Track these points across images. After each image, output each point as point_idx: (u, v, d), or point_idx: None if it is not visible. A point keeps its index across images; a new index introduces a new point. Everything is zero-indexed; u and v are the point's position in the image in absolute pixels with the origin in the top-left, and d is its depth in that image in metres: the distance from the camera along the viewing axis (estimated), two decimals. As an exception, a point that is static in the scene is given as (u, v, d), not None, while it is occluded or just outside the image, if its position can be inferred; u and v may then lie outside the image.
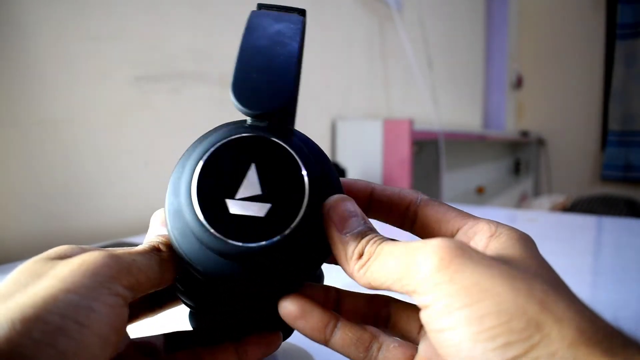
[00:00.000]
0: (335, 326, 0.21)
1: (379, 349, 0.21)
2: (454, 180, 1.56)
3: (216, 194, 0.19)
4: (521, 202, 2.43)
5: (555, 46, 2.71)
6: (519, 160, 2.58)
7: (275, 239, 0.18)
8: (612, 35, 2.49)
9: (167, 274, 0.20)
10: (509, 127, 2.53)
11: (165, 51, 0.70)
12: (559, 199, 2.30)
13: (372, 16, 1.27)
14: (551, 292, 0.15)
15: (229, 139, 0.20)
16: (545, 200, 2.26)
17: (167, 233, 0.20)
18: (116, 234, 0.62)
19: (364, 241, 0.19)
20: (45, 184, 0.55)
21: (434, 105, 1.50)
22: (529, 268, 0.17)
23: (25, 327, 0.14)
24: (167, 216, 0.20)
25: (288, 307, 0.21)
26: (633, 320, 0.37)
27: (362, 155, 1.06)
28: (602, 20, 2.54)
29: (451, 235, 0.21)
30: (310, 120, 1.00)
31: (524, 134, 2.49)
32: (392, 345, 0.21)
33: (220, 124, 0.22)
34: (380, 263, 0.18)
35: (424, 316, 0.16)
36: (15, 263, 0.47)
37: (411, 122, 1.01)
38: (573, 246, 0.62)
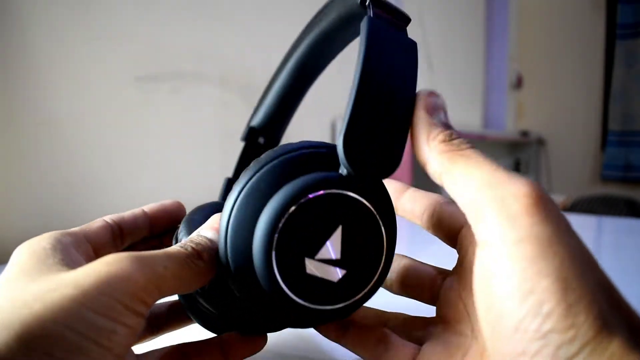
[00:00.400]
0: (346, 326, 0.22)
1: (384, 349, 0.21)
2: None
3: (297, 250, 0.17)
4: (521, 202, 2.43)
5: (555, 46, 2.71)
6: (519, 160, 2.58)
7: (342, 304, 0.18)
8: (612, 35, 2.49)
9: (195, 284, 0.18)
10: (509, 127, 2.53)
11: (165, 51, 0.70)
12: (559, 199, 2.30)
13: (372, 16, 1.27)
14: (603, 280, 0.15)
15: (326, 192, 0.18)
16: (545, 200, 2.26)
17: (211, 237, 0.19)
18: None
19: (453, 133, 0.18)
20: (46, 184, 0.55)
21: (434, 105, 1.50)
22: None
23: (46, 343, 0.13)
24: (229, 246, 0.18)
25: None
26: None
27: (362, 155, 1.05)
28: (602, 20, 2.54)
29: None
30: (310, 120, 1.00)
31: (524, 134, 2.49)
32: (397, 346, 0.21)
33: (303, 141, 0.19)
34: (468, 164, 0.17)
35: (481, 254, 0.15)
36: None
37: (411, 122, 1.01)
38: (573, 246, 0.61)
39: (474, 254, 0.17)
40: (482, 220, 0.15)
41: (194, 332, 0.28)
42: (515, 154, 2.60)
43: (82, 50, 0.59)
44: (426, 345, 0.21)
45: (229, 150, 0.80)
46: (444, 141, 0.18)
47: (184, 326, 0.25)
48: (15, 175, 0.53)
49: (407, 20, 0.20)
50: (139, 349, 0.22)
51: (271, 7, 0.90)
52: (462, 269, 0.21)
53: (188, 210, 0.26)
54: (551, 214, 0.15)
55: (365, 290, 0.19)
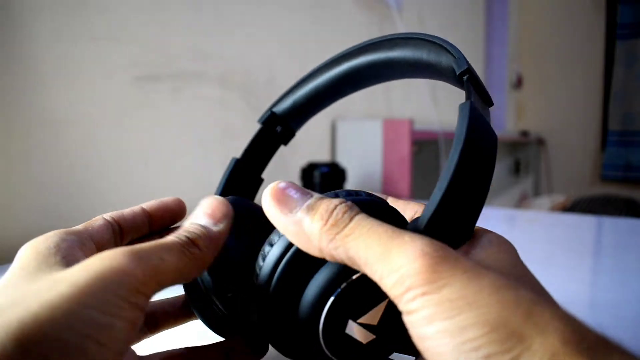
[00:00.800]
0: None
1: None
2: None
3: (345, 312, 0.18)
4: (521, 202, 2.43)
5: (555, 46, 2.71)
6: (519, 160, 2.58)
7: None
8: (612, 35, 2.49)
9: (193, 273, 0.18)
10: (509, 127, 2.53)
11: (165, 51, 0.70)
12: (559, 199, 2.29)
13: (372, 16, 1.27)
14: (537, 301, 0.15)
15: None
16: (545, 200, 2.26)
17: (212, 229, 0.20)
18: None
19: (327, 207, 0.17)
20: (46, 184, 0.55)
21: (434, 105, 1.50)
22: (514, 275, 0.17)
23: (42, 347, 0.13)
24: (280, 275, 0.19)
25: None
26: (633, 321, 0.37)
27: (362, 155, 1.06)
28: (602, 20, 2.54)
29: None
30: (310, 120, 1.00)
31: (524, 134, 2.49)
32: None
33: (358, 191, 0.20)
34: (362, 236, 0.16)
35: (407, 320, 0.16)
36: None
37: (411, 122, 1.01)
38: (573, 246, 0.62)
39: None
40: (397, 298, 0.16)
41: (193, 335, 0.27)
42: (515, 154, 2.60)
43: (82, 50, 0.59)
44: None
45: (229, 150, 0.80)
46: (322, 228, 0.17)
47: (180, 324, 0.25)
48: (15, 175, 0.53)
49: (491, 103, 0.21)
50: (141, 350, 0.22)
51: (271, 7, 0.90)
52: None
53: (188, 206, 0.25)
54: (453, 270, 0.15)
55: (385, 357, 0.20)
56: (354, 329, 0.18)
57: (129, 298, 0.15)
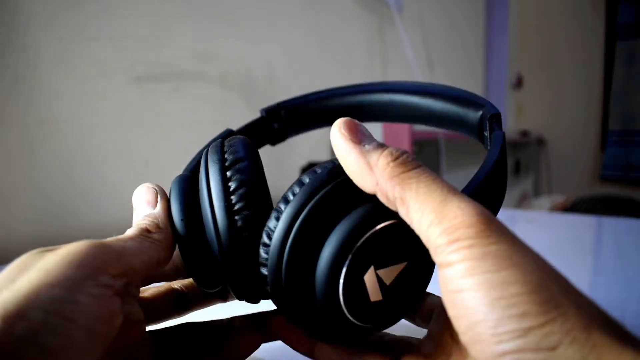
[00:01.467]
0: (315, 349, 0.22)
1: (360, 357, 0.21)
2: (454, 180, 1.55)
3: (371, 257, 0.18)
4: (521, 202, 2.43)
5: (555, 46, 2.71)
6: (519, 160, 2.58)
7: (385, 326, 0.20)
8: (612, 35, 2.49)
9: (163, 254, 0.20)
10: (509, 127, 2.53)
11: (165, 51, 0.70)
12: (559, 199, 2.29)
13: (372, 16, 1.27)
14: (570, 283, 0.15)
15: (374, 230, 0.18)
16: (545, 200, 2.26)
17: (153, 212, 0.21)
18: (117, 234, 0.62)
19: (392, 151, 0.18)
20: (46, 184, 0.55)
21: (434, 105, 1.50)
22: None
23: (7, 325, 0.14)
24: (278, 250, 0.19)
25: (277, 319, 0.22)
26: (633, 320, 0.37)
27: (362, 155, 1.05)
28: (602, 20, 2.53)
29: None
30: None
31: (524, 134, 2.49)
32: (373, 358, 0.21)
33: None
34: (425, 182, 0.17)
35: (443, 273, 0.16)
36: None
37: (411, 122, 1.01)
38: (573, 246, 0.62)
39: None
40: (440, 247, 0.16)
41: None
42: (515, 154, 2.60)
43: (82, 50, 0.59)
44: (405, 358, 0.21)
45: (229, 150, 0.79)
46: (389, 163, 0.18)
47: (212, 304, 0.26)
48: (15, 175, 0.53)
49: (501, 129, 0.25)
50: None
51: (271, 7, 0.90)
52: None
53: None
54: (503, 234, 0.16)
55: (389, 321, 0.20)
56: (371, 280, 0.18)
57: (91, 275, 0.16)
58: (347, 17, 1.16)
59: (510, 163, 2.54)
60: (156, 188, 0.23)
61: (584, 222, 0.79)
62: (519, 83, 2.63)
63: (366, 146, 0.18)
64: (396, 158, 0.18)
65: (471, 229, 0.15)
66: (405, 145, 1.01)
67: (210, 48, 0.78)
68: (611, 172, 2.50)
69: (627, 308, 0.39)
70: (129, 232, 0.20)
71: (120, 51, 0.63)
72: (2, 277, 0.16)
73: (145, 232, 0.20)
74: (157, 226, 0.20)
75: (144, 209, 0.22)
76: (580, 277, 0.48)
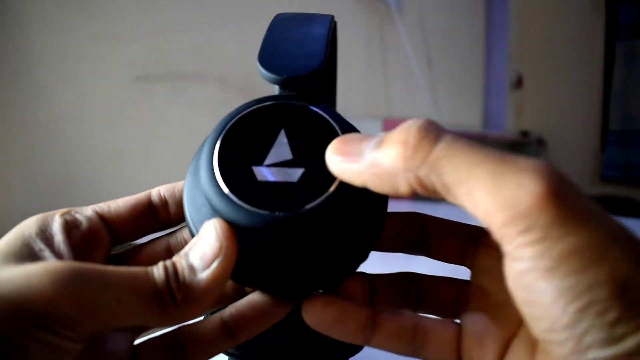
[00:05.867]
0: (374, 323, 0.17)
1: (423, 336, 0.18)
2: (454, 180, 1.55)
3: (241, 162, 0.16)
4: (521, 202, 2.43)
5: (555, 46, 2.71)
6: (519, 160, 2.58)
7: (312, 204, 0.15)
8: (612, 35, 2.49)
9: (160, 324, 0.15)
10: (509, 127, 2.53)
11: (165, 51, 0.70)
12: (559, 199, 2.29)
13: (372, 16, 1.27)
14: None
15: (254, 107, 0.18)
16: (545, 200, 2.25)
17: (197, 265, 0.15)
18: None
19: (401, 131, 0.14)
20: (45, 184, 0.55)
21: (434, 104, 1.50)
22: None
23: None
24: (185, 200, 0.18)
25: (318, 314, 0.16)
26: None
27: (362, 155, 1.05)
28: (602, 20, 2.53)
29: None
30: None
31: (524, 134, 2.49)
32: (434, 327, 0.18)
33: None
34: (461, 156, 0.13)
35: (511, 266, 0.13)
36: (15, 263, 0.47)
37: (411, 122, 1.01)
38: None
39: (502, 266, 0.14)
40: (506, 237, 0.13)
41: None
42: (515, 154, 2.59)
43: (82, 50, 0.59)
44: (466, 319, 0.18)
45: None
46: (401, 156, 0.14)
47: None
48: (14, 175, 0.53)
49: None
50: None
51: (271, 6, 0.90)
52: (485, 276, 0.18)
53: None
54: (582, 214, 0.12)
55: (336, 182, 0.15)
56: (265, 174, 0.16)
57: (49, 327, 0.12)
58: (347, 17, 1.16)
59: (510, 163, 2.53)
60: (229, 242, 0.15)
61: (584, 222, 0.79)
62: (519, 83, 2.63)
63: (370, 154, 0.15)
64: (406, 142, 0.14)
65: (541, 217, 0.12)
66: (405, 145, 1.01)
67: (210, 48, 0.78)
68: (611, 172, 2.50)
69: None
70: (146, 271, 0.14)
71: (120, 51, 0.63)
72: (1, 245, 0.15)
73: (166, 291, 0.14)
74: (186, 299, 0.14)
75: (197, 254, 0.15)
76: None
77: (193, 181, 0.17)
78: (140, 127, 0.67)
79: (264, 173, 0.16)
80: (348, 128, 0.17)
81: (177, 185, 0.20)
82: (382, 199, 0.17)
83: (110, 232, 0.19)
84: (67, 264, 0.13)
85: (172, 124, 0.71)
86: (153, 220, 0.20)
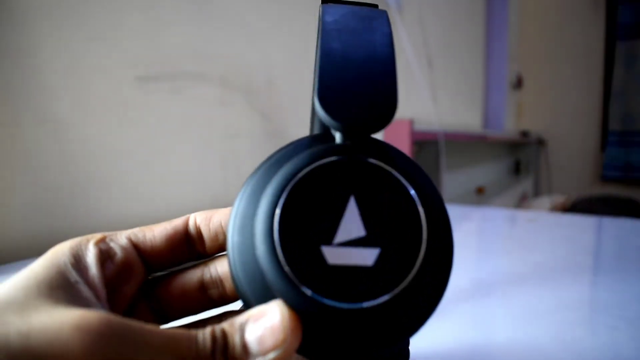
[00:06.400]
0: None
1: None
2: (454, 180, 1.56)
3: (307, 239, 0.14)
4: (521, 202, 2.43)
5: (555, 46, 2.71)
6: (519, 160, 2.58)
7: (389, 294, 0.14)
8: (612, 35, 2.49)
9: None
10: (509, 127, 2.53)
11: (165, 51, 0.70)
12: (559, 199, 2.29)
13: (372, 16, 1.27)
14: None
15: (319, 163, 0.15)
16: (545, 200, 2.26)
17: (254, 347, 0.14)
18: (116, 234, 0.62)
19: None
20: (45, 184, 0.55)
21: (434, 105, 1.50)
22: None
23: None
24: (232, 257, 0.15)
25: None
26: (633, 320, 0.37)
27: (362, 155, 1.05)
28: (602, 20, 2.54)
29: None
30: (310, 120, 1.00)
31: (524, 134, 2.49)
32: None
33: (295, 140, 0.17)
34: None
35: None
36: (15, 263, 0.47)
37: (411, 122, 1.01)
38: (573, 246, 0.61)
39: None
40: None
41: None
42: (515, 154, 2.60)
43: (82, 50, 0.59)
44: None
45: (229, 150, 0.80)
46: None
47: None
48: (14, 175, 0.53)
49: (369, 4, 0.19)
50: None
51: (271, 7, 0.90)
52: None
53: (188, 208, 0.23)
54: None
55: (417, 266, 0.14)
56: (338, 256, 0.14)
57: None
58: (347, 17, 1.16)
59: (510, 163, 2.54)
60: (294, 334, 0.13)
61: (584, 222, 0.79)
62: (519, 83, 2.63)
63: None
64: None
65: None
66: (405, 145, 1.01)
67: (210, 48, 0.78)
68: (611, 173, 2.50)
69: (627, 308, 0.39)
70: (191, 337, 0.13)
71: (120, 51, 0.63)
72: (33, 275, 0.13)
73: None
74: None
75: (254, 334, 0.14)
76: (580, 277, 0.48)
77: (244, 242, 0.15)
78: (140, 127, 0.67)
79: (335, 254, 0.14)
80: (426, 192, 0.15)
81: (214, 217, 0.19)
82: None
83: (143, 261, 0.19)
84: (103, 317, 0.12)
85: (172, 124, 0.71)
86: (188, 253, 0.19)
